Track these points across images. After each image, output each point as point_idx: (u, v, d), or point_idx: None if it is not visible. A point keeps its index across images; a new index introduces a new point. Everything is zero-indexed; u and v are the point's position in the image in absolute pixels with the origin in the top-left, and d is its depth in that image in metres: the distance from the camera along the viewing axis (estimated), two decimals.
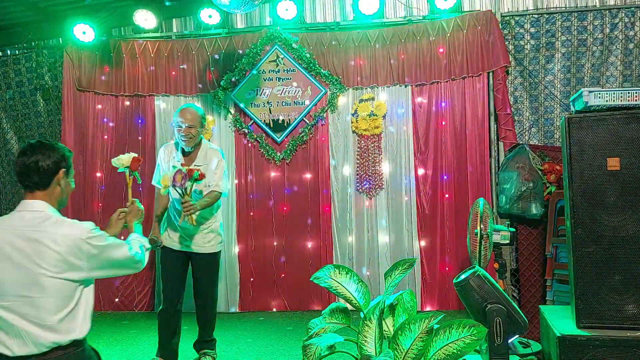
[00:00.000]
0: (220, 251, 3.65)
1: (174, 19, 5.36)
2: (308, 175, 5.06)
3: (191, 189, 3.22)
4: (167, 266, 3.55)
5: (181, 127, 3.39)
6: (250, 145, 5.12)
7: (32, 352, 1.84)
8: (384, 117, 4.92)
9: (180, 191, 3.21)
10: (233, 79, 5.07)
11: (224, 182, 3.52)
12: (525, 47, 4.81)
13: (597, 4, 4.74)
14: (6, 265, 1.85)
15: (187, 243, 3.49)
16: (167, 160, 3.54)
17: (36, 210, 1.93)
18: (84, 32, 5.01)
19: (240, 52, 5.08)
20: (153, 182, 3.66)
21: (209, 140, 5.10)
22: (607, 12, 4.67)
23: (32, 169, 1.93)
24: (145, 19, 5.04)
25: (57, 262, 1.85)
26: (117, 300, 5.16)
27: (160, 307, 3.55)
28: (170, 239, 3.51)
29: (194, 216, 3.26)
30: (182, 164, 3.34)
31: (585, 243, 2.99)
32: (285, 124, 5.05)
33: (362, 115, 4.90)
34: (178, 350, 3.55)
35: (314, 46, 5.01)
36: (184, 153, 3.52)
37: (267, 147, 5.06)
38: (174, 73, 5.17)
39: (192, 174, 3.18)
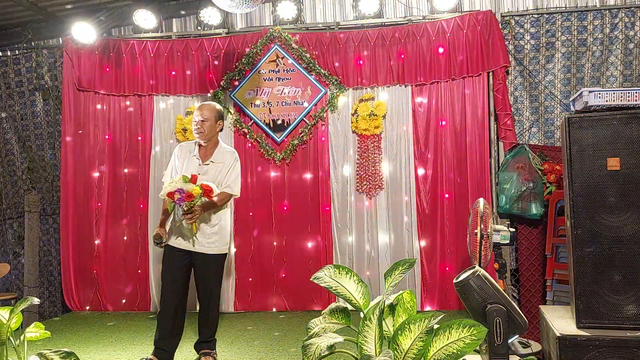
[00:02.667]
0: (224, 254, 3.58)
1: (174, 19, 5.37)
2: (308, 175, 5.05)
3: (197, 202, 3.25)
4: (169, 269, 3.49)
5: (195, 120, 3.51)
6: (250, 145, 5.11)
7: None
8: (384, 117, 4.92)
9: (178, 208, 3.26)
10: (233, 79, 5.08)
11: (237, 183, 3.54)
12: (525, 47, 4.81)
13: (597, 4, 4.74)
14: None
15: (190, 242, 3.46)
16: (184, 157, 3.55)
17: None
18: (84, 32, 5.01)
19: (240, 52, 5.08)
20: (163, 180, 3.65)
21: None
22: (607, 12, 4.67)
23: None
24: (145, 19, 5.05)
25: None
26: (124, 301, 5.16)
27: (159, 310, 3.52)
28: (174, 237, 3.49)
29: (195, 224, 3.30)
30: (191, 174, 3.34)
31: (585, 243, 2.99)
32: (285, 124, 5.05)
33: (362, 115, 4.90)
34: (174, 353, 3.52)
35: (313, 46, 5.01)
36: (200, 149, 3.57)
37: (267, 147, 5.06)
38: (174, 73, 5.18)
39: (191, 199, 3.18)
